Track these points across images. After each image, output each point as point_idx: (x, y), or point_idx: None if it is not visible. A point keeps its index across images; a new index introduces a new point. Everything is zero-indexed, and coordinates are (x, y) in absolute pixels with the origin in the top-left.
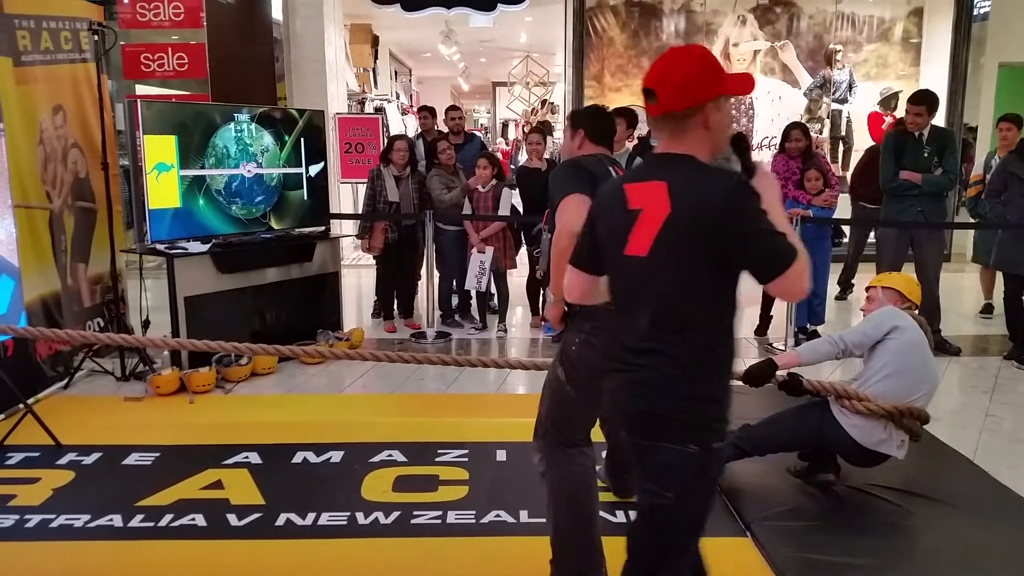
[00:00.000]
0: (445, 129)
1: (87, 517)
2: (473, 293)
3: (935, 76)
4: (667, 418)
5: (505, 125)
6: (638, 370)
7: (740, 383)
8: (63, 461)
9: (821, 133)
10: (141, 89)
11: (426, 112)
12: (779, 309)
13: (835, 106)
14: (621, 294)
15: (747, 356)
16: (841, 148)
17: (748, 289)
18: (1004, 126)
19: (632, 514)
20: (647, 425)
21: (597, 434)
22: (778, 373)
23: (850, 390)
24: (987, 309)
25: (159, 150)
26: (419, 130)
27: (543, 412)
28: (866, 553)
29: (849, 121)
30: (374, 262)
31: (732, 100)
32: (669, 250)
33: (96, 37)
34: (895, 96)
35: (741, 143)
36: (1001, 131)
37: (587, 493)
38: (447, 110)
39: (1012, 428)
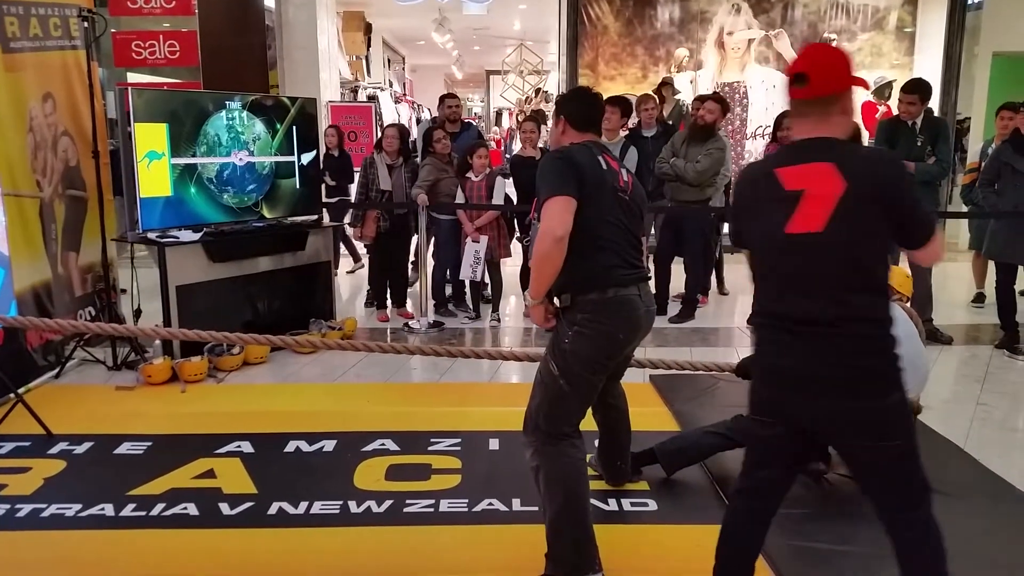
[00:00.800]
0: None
1: (78, 506)
2: (467, 282)
3: (929, 65)
4: (879, 373)
5: (499, 113)
6: (835, 337)
7: (732, 375)
8: (54, 450)
9: None
10: (132, 77)
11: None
12: None
13: None
14: (782, 271)
15: (739, 345)
16: None
17: None
18: (1005, 115)
19: (624, 502)
20: (856, 388)
21: (586, 423)
22: None
23: None
24: (979, 298)
25: (150, 138)
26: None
27: (533, 406)
28: (857, 541)
29: None
30: (365, 251)
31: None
32: (850, 223)
33: (86, 24)
34: (889, 85)
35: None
36: (1002, 119)
37: (580, 484)
38: (443, 98)
39: (1003, 416)
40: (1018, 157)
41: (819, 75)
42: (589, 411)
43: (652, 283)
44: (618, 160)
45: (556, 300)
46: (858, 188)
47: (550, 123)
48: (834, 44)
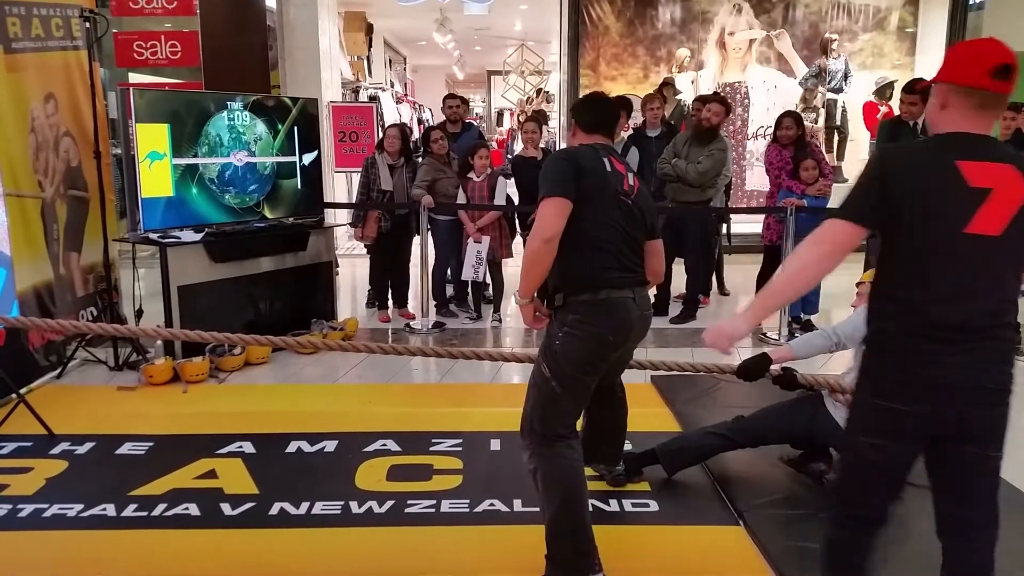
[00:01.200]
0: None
1: (80, 507)
2: (469, 282)
3: (930, 66)
4: (1009, 383)
5: (500, 114)
6: (991, 342)
7: (733, 376)
8: (56, 451)
9: (816, 123)
10: (134, 77)
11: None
12: None
13: (830, 95)
14: (934, 270)
15: (740, 346)
16: (836, 138)
17: None
18: (1007, 115)
19: (625, 503)
20: (1000, 394)
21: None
22: (772, 368)
23: (843, 384)
24: None
25: (152, 139)
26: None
27: (528, 409)
28: None
29: (844, 111)
30: (366, 252)
31: None
32: (1016, 229)
33: (88, 24)
34: (890, 86)
35: None
36: (1004, 120)
37: (578, 485)
38: (445, 98)
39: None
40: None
41: (1017, 74)
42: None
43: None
44: (626, 164)
45: (552, 299)
46: None
47: (555, 123)
48: (834, 44)
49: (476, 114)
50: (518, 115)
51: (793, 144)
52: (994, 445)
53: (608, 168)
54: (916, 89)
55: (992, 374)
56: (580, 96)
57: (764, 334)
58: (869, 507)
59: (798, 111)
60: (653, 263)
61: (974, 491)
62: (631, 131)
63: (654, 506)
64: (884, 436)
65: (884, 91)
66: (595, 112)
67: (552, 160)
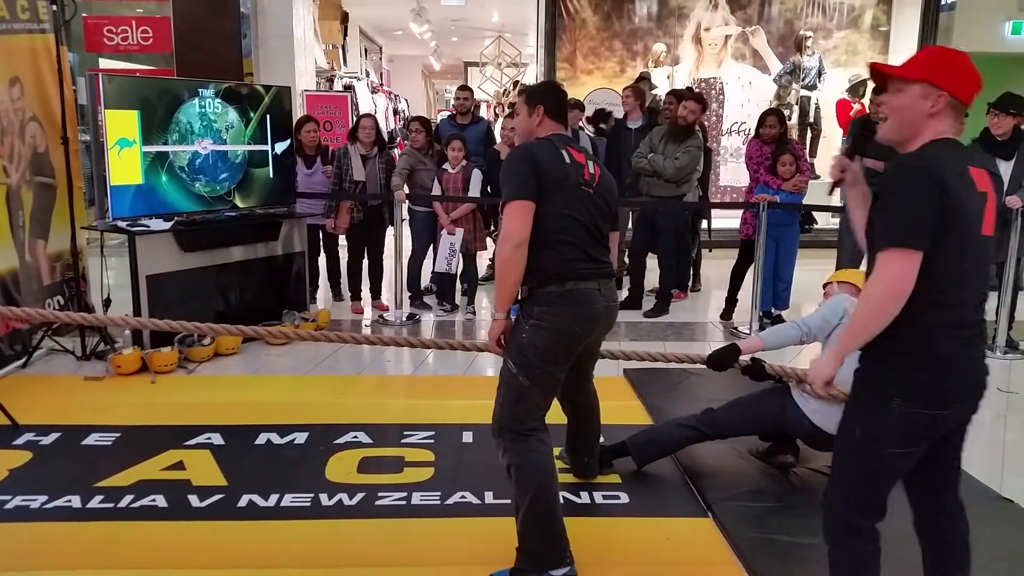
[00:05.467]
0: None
1: (44, 498)
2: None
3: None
4: None
5: (477, 106)
6: (980, 340)
7: (703, 366)
8: (20, 441)
9: (790, 119)
10: (104, 63)
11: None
12: (744, 294)
13: (804, 92)
14: (965, 273)
15: (712, 340)
16: (809, 135)
17: None
18: (995, 112)
19: (596, 495)
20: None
21: (557, 417)
22: (741, 358)
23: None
24: None
25: (121, 125)
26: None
27: (498, 409)
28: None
29: (818, 108)
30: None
31: None
32: (996, 231)
33: (55, 7)
34: (863, 83)
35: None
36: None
37: (550, 479)
38: (457, 90)
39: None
40: (988, 157)
41: None
42: (558, 405)
43: (628, 278)
44: (585, 152)
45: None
46: (999, 199)
47: (518, 113)
48: (809, 41)
49: (452, 106)
50: (495, 107)
51: (775, 141)
52: (961, 440)
53: (568, 160)
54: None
55: (985, 369)
56: (540, 82)
57: (735, 328)
58: (883, 508)
59: (777, 108)
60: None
61: (953, 480)
62: (614, 122)
63: (624, 498)
64: (916, 442)
65: (857, 88)
66: (560, 99)
67: (510, 159)
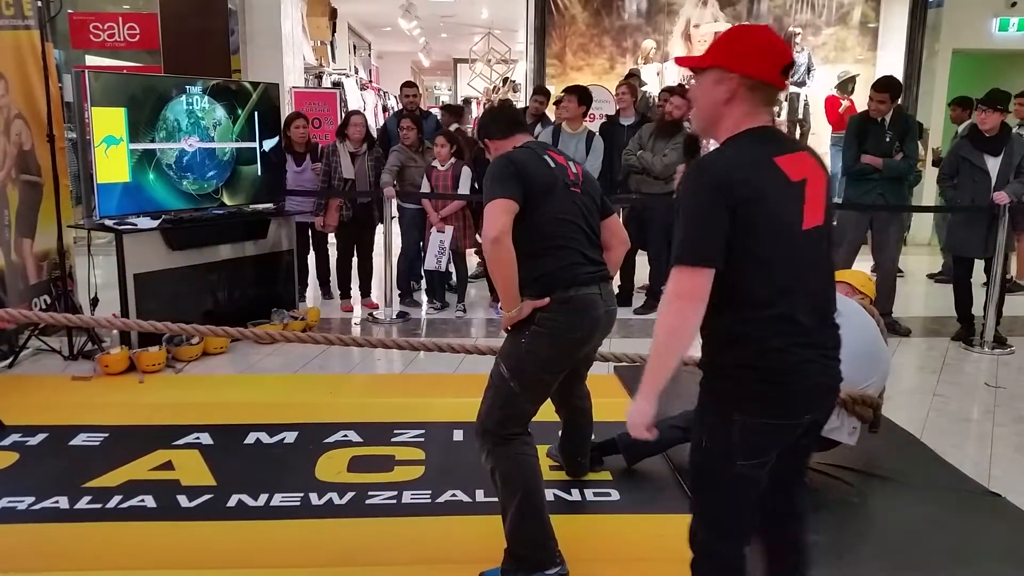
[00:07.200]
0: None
1: (31, 499)
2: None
3: (892, 61)
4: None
5: (467, 102)
6: (834, 342)
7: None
8: (6, 442)
9: (779, 116)
10: (91, 60)
11: (540, 96)
12: None
13: (793, 89)
14: (798, 272)
15: (699, 341)
16: (798, 131)
17: None
18: (983, 108)
19: (586, 492)
20: (835, 396)
21: (546, 414)
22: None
23: None
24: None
25: (108, 123)
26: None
27: (483, 411)
28: (816, 530)
29: (807, 104)
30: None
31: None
32: (829, 214)
33: (40, 3)
34: (852, 80)
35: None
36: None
37: (536, 480)
38: (402, 86)
39: (958, 407)
40: (976, 152)
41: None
42: (550, 405)
43: (617, 275)
44: (564, 154)
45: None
46: (828, 178)
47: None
48: (798, 38)
49: (442, 102)
50: (484, 104)
51: None
52: (818, 447)
53: (552, 164)
54: (874, 86)
55: (837, 377)
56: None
57: None
58: (751, 525)
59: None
60: (614, 240)
61: (799, 487)
62: (606, 119)
63: (615, 495)
64: (766, 453)
65: (846, 85)
66: (503, 116)
67: (493, 164)
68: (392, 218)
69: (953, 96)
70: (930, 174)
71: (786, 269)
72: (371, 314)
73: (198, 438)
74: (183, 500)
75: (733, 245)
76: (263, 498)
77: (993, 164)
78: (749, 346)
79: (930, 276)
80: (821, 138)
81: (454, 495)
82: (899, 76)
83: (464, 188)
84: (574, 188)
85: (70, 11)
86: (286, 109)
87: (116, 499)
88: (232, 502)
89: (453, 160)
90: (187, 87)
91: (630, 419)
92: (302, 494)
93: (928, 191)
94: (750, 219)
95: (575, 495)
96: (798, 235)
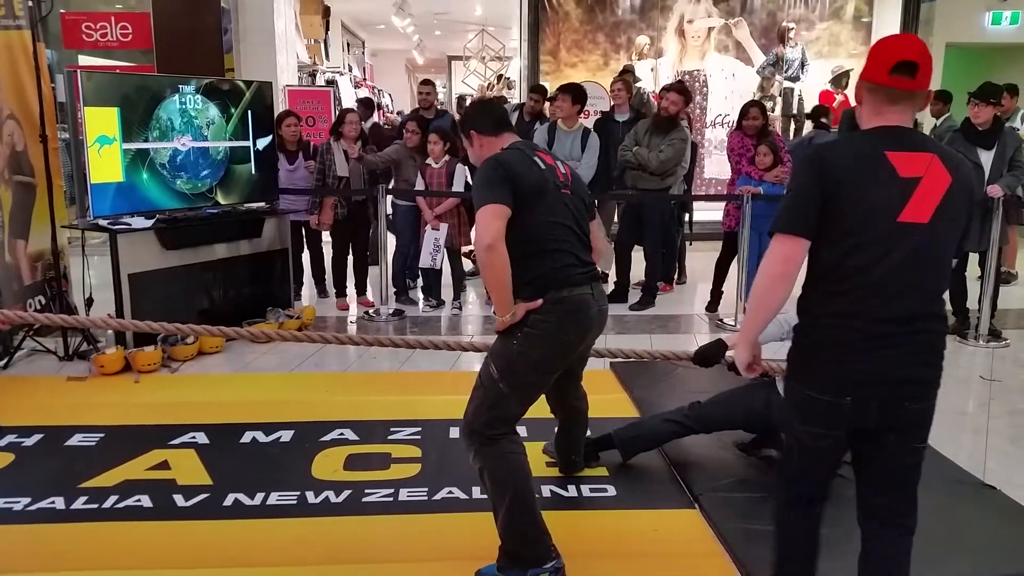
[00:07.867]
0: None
1: (27, 500)
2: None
3: None
4: (939, 376)
5: (462, 99)
6: (921, 335)
7: (690, 362)
8: (2, 443)
9: (773, 111)
10: (84, 59)
11: (536, 94)
12: (729, 286)
13: (787, 84)
14: (883, 261)
15: (698, 332)
16: (792, 126)
17: None
18: (976, 101)
19: (583, 488)
20: (929, 387)
21: (540, 410)
22: (728, 354)
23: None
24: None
25: (101, 123)
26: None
27: (470, 411)
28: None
29: (801, 99)
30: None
31: None
32: (947, 219)
33: (31, 2)
34: (846, 74)
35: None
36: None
37: (525, 479)
38: (420, 84)
39: (952, 401)
40: (969, 146)
41: (926, 68)
42: (544, 401)
43: (613, 270)
44: (552, 154)
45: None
46: (959, 184)
47: (464, 141)
48: (792, 33)
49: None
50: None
51: (757, 133)
52: (925, 438)
53: (542, 165)
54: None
55: (927, 367)
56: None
57: (721, 320)
58: (810, 487)
59: (759, 100)
60: (594, 242)
61: (904, 485)
62: (600, 115)
63: (611, 491)
64: (822, 426)
65: (840, 80)
66: (493, 112)
67: (482, 169)
68: (387, 215)
69: (941, 90)
70: None
71: (859, 256)
72: (367, 312)
73: (194, 437)
74: (179, 500)
75: (825, 220)
76: (259, 497)
77: (986, 158)
78: (812, 324)
79: None
80: None
81: (450, 492)
82: None
83: (458, 185)
84: (564, 190)
85: (62, 11)
86: (279, 108)
87: (112, 499)
88: (228, 501)
89: (447, 158)
90: (180, 86)
91: (735, 359)
92: (298, 492)
93: None
94: (839, 199)
95: (571, 491)
96: (892, 224)
